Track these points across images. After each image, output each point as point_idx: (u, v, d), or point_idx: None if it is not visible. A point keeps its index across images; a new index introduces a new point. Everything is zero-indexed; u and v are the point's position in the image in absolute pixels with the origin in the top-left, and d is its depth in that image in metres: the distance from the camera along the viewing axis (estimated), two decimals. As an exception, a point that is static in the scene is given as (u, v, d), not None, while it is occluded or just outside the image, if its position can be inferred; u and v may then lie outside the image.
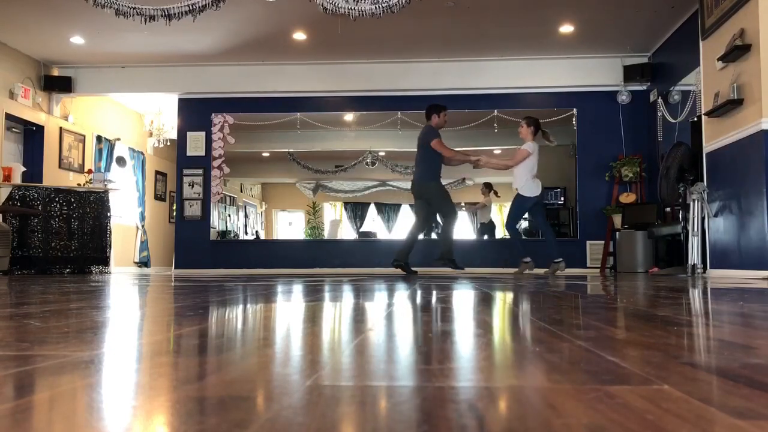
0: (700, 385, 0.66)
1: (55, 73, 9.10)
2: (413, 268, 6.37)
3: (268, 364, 0.83)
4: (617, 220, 8.25)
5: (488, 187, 10.90)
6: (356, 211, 12.76)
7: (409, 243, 6.34)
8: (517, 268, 6.47)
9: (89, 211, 7.88)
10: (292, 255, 9.17)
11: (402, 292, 2.67)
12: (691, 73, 6.93)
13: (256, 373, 0.76)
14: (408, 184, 11.35)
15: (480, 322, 1.43)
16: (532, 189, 6.34)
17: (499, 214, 12.26)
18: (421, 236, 6.59)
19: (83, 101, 9.65)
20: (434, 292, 2.67)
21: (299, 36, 8.04)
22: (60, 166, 9.13)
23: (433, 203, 6.41)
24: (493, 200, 11.02)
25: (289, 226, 13.08)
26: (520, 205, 6.43)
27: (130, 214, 10.94)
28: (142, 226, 11.20)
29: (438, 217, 6.84)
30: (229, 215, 10.81)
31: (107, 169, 9.94)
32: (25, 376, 0.73)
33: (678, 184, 6.11)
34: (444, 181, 6.52)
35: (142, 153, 11.29)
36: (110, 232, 8.08)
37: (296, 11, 7.15)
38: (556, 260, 6.36)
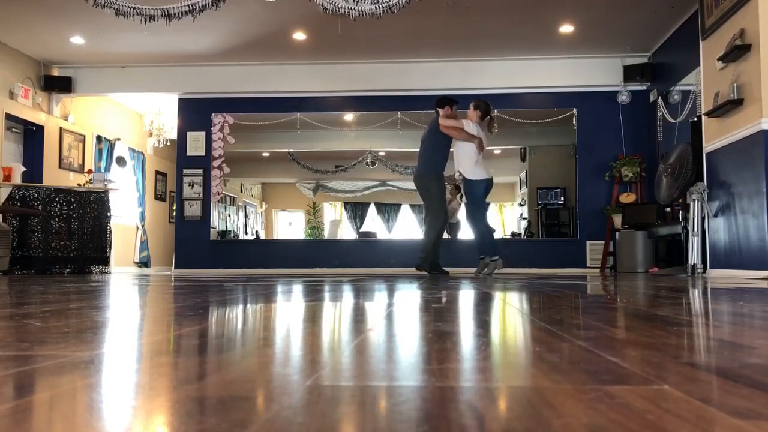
0: (700, 385, 0.66)
1: (55, 73, 9.10)
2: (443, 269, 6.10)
3: (268, 364, 0.83)
4: (617, 220, 8.25)
5: (458, 189, 10.90)
6: (356, 211, 12.76)
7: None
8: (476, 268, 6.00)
9: (89, 211, 7.88)
10: (292, 255, 9.17)
11: (401, 293, 2.67)
12: (691, 73, 6.93)
13: (256, 373, 0.76)
14: (408, 184, 11.42)
15: (480, 322, 1.43)
16: (478, 172, 5.89)
17: (499, 214, 12.25)
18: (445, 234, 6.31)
19: (83, 101, 9.65)
20: (433, 293, 2.67)
21: (299, 36, 8.04)
22: (60, 166, 9.13)
23: (430, 199, 6.09)
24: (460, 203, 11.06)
25: (289, 226, 13.08)
26: (473, 191, 5.94)
27: (130, 214, 10.94)
28: (142, 226, 11.20)
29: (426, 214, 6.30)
30: (229, 215, 10.81)
31: (107, 169, 9.95)
32: (25, 376, 0.73)
33: (682, 186, 6.07)
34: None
35: (142, 153, 11.29)
36: (110, 232, 8.08)
37: (296, 11, 7.15)
38: (493, 258, 5.89)
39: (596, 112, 8.72)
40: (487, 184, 5.95)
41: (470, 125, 5.98)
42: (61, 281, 4.28)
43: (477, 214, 6.01)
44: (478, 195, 5.94)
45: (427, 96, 8.74)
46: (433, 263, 6.02)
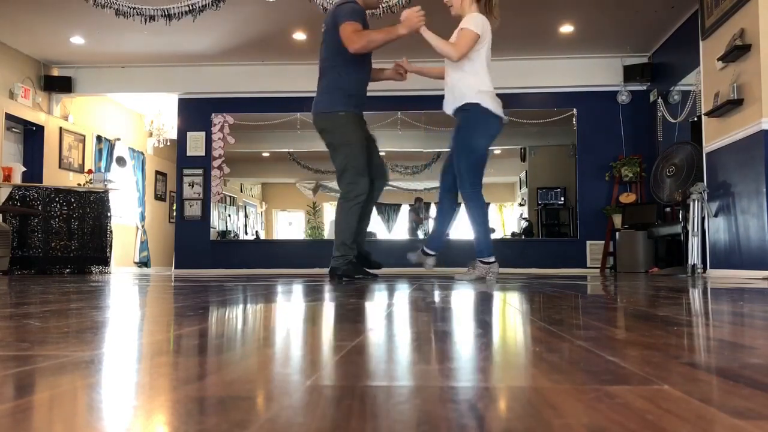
0: (700, 385, 0.66)
1: (55, 73, 9.10)
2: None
3: (268, 364, 0.83)
4: (617, 220, 8.26)
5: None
6: (356, 211, 12.75)
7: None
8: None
9: (89, 211, 7.88)
10: (292, 255, 9.17)
11: (401, 293, 2.67)
12: (691, 73, 6.93)
13: (256, 373, 0.76)
14: (408, 184, 11.42)
15: (479, 322, 1.43)
16: (493, 102, 3.78)
17: (499, 214, 12.24)
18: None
19: (83, 101, 9.65)
20: (432, 293, 2.68)
21: (299, 36, 8.04)
22: (60, 166, 9.13)
23: (333, 151, 3.96)
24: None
25: (289, 226, 13.08)
26: (485, 130, 3.71)
27: (130, 214, 10.95)
28: (142, 226, 11.20)
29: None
30: (229, 215, 10.81)
31: (107, 169, 9.95)
32: (25, 376, 0.73)
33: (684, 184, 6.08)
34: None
35: (142, 153, 11.30)
36: (110, 232, 8.09)
37: (296, 11, 7.15)
38: (486, 259, 3.83)
39: (596, 112, 8.73)
40: (499, 130, 3.80)
41: (472, 18, 3.94)
42: (61, 281, 4.28)
43: (473, 175, 3.76)
44: (488, 136, 3.82)
45: (427, 96, 8.74)
46: (361, 258, 4.19)
